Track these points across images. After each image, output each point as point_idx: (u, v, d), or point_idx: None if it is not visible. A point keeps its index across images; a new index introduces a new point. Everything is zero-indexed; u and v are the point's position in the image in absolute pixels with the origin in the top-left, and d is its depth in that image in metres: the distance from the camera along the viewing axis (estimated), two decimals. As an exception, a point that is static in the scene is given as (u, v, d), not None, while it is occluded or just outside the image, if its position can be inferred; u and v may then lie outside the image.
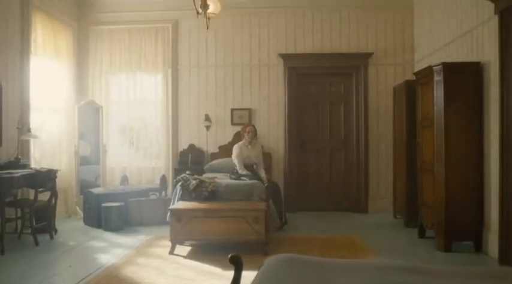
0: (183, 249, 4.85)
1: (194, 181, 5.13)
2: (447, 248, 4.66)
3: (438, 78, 4.71)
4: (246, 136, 6.05)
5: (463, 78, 4.68)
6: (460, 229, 4.66)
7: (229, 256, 1.99)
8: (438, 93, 4.71)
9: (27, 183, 5.06)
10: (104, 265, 4.30)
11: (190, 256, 4.61)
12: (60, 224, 6.09)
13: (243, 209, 4.68)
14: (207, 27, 4.27)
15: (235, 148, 6.05)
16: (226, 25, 7.28)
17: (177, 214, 4.65)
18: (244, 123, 7.20)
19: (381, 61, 7.11)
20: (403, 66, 7.01)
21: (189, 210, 4.69)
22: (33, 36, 6.02)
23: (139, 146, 7.50)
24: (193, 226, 4.63)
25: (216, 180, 5.36)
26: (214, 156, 7.15)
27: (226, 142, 7.22)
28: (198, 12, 3.81)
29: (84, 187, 6.67)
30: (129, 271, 4.07)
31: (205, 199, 5.05)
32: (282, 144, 7.24)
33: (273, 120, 7.26)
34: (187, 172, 5.71)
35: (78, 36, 7.25)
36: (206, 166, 6.77)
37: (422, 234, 5.31)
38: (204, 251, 4.72)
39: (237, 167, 5.91)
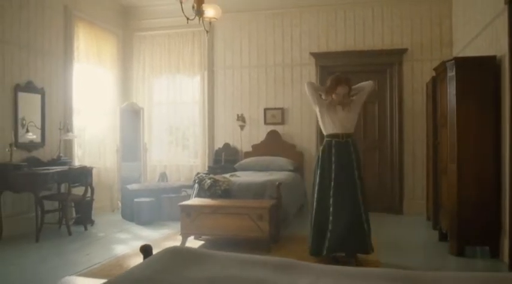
0: (196, 243, 5.08)
1: (209, 181, 5.35)
2: (459, 253, 4.42)
3: (451, 73, 4.48)
4: (334, 97, 4.19)
5: (478, 73, 4.40)
6: (473, 233, 4.38)
7: (140, 245, 2.15)
8: (451, 89, 4.48)
9: (61, 178, 5.59)
10: (116, 254, 4.66)
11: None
12: (101, 217, 6.66)
13: (248, 206, 4.79)
14: (207, 32, 4.45)
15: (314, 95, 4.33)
16: (259, 26, 7.44)
17: (186, 209, 4.89)
18: (276, 122, 7.32)
19: (417, 57, 6.84)
20: (440, 62, 6.67)
21: (197, 206, 4.91)
22: (76, 44, 6.60)
23: (178, 145, 7.90)
24: (201, 221, 4.84)
25: (231, 178, 5.53)
26: (247, 155, 7.33)
27: (259, 141, 7.38)
28: (188, 18, 4.00)
29: (128, 184, 7.14)
30: (133, 261, 4.34)
31: (219, 196, 5.24)
32: (314, 143, 7.21)
33: (305, 120, 7.27)
34: (205, 171, 5.95)
35: (122, 43, 7.81)
36: (237, 165, 6.98)
37: (443, 237, 5.05)
38: (214, 246, 4.90)
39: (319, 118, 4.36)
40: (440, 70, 4.86)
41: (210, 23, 4.45)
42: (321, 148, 4.30)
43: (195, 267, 1.71)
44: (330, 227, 4.01)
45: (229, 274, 1.62)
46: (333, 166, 4.07)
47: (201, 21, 4.15)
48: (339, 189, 4.03)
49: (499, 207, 4.34)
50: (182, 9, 3.85)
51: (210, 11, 4.35)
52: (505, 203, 4.20)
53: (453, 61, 4.44)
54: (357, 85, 4.28)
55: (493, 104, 4.36)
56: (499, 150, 4.34)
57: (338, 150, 4.13)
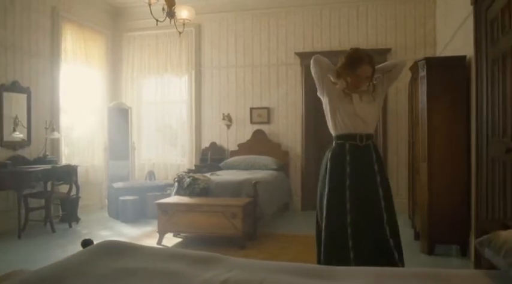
0: (174, 240, 5.18)
1: (188, 179, 5.43)
2: (430, 251, 4.47)
3: (422, 73, 4.53)
4: (350, 81, 3.03)
5: (449, 73, 4.43)
6: (444, 231, 4.42)
7: (82, 240, 2.24)
8: (422, 89, 4.53)
9: (45, 177, 5.70)
10: (93, 251, 4.75)
11: (174, 247, 4.90)
12: (89, 215, 6.77)
13: (222, 204, 4.87)
14: (180, 33, 4.52)
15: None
16: (246, 26, 7.51)
17: (163, 207, 4.98)
18: (262, 121, 7.38)
19: (401, 56, 6.84)
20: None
21: (174, 204, 5.00)
22: (63, 45, 6.70)
23: (166, 143, 8.01)
24: (178, 219, 4.93)
25: (211, 177, 5.61)
26: (234, 154, 7.41)
27: (245, 141, 7.45)
28: (157, 20, 4.08)
29: (116, 182, 7.22)
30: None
31: (198, 195, 5.32)
32: (299, 142, 7.29)
33: (291, 119, 7.33)
34: (185, 170, 6.04)
35: (111, 43, 7.91)
36: (222, 164, 7.06)
37: (418, 236, 5.09)
38: (191, 244, 5.00)
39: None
40: (414, 70, 4.91)
41: (184, 24, 4.52)
42: (329, 153, 3.02)
43: (119, 259, 1.79)
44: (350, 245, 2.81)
45: (144, 266, 1.71)
46: (348, 182, 2.86)
47: (172, 23, 4.22)
48: (358, 209, 2.83)
49: (469, 206, 4.38)
50: (151, 11, 3.94)
51: (183, 12, 4.43)
52: (473, 203, 4.24)
53: (424, 61, 4.48)
54: (381, 65, 3.09)
55: (465, 104, 4.39)
56: (469, 150, 4.37)
57: (354, 158, 2.90)
